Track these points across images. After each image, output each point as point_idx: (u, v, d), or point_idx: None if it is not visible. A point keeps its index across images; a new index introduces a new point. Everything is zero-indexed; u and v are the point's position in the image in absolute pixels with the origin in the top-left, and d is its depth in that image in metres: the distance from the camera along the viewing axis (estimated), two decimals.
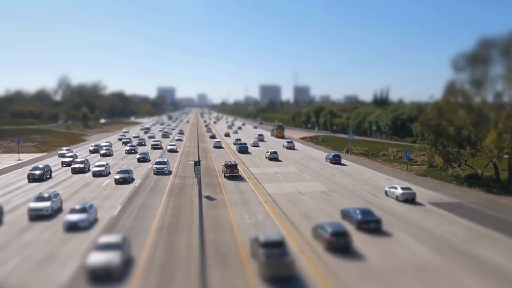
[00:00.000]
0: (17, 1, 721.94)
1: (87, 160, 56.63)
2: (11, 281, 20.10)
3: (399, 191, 37.82)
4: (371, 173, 54.87)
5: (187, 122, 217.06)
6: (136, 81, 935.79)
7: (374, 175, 53.27)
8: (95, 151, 77.22)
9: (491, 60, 44.77)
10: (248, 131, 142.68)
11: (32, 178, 46.69)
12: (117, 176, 45.73)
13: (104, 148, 76.50)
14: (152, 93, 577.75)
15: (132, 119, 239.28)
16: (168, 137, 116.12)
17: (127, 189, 42.50)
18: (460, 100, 47.55)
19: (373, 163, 65.13)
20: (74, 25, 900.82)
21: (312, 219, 31.26)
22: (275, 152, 68.65)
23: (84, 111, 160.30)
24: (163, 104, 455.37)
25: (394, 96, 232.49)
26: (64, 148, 79.58)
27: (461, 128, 46.63)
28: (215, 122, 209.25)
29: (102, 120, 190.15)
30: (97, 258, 20.50)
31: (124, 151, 77.25)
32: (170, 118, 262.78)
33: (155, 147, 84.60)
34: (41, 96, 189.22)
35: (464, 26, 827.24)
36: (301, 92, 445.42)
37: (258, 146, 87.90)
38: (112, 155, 72.58)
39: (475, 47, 45.48)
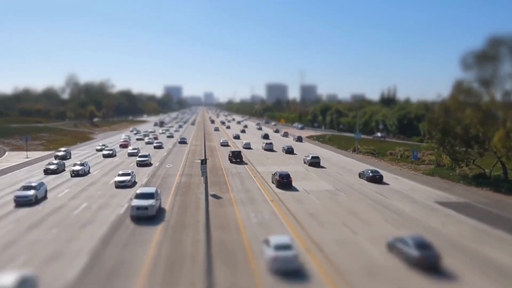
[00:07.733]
0: (26, 1, 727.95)
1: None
2: None
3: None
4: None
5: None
6: (143, 80, 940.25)
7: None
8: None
9: (500, 58, 44.34)
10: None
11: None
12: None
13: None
14: (159, 92, 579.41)
15: (129, 117, 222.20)
16: None
17: (133, 187, 42.75)
18: (467, 98, 47.15)
19: (380, 162, 64.80)
20: (82, 24, 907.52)
21: (318, 218, 31.28)
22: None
23: (91, 109, 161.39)
24: (170, 102, 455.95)
25: (401, 95, 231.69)
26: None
27: (468, 127, 46.24)
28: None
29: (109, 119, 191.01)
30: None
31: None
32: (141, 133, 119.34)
33: None
34: (49, 95, 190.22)
35: (472, 25, 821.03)
36: (307, 90, 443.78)
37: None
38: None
39: (484, 45, 45.10)
